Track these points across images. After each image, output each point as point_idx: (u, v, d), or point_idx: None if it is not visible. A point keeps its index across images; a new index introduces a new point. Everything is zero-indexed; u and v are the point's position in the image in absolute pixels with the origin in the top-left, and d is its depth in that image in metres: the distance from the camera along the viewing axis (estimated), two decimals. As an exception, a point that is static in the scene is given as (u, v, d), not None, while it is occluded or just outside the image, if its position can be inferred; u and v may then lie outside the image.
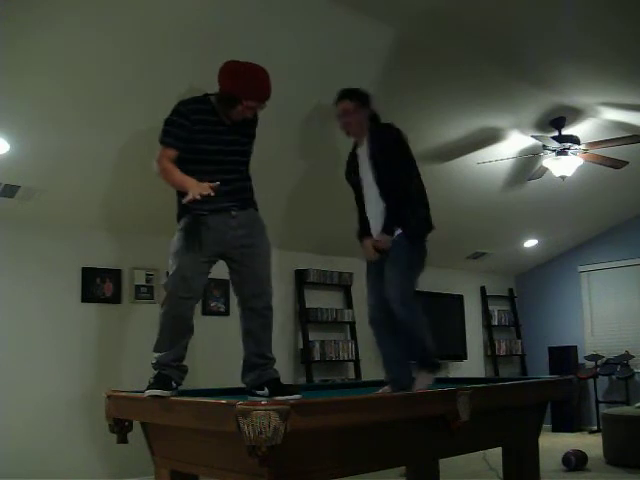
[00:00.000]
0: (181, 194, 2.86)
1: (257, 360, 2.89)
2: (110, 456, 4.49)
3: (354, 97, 3.26)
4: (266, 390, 2.79)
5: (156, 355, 2.84)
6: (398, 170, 3.16)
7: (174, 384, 2.77)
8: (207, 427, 2.30)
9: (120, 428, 2.79)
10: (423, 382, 3.01)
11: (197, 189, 2.71)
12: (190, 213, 2.88)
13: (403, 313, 3.05)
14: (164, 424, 2.65)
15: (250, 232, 3.00)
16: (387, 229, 3.14)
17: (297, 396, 2.64)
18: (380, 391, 3.14)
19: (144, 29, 3.38)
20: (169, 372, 2.79)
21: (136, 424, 2.82)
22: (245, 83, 2.89)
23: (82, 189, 4.59)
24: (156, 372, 2.80)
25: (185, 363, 2.92)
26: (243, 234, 2.96)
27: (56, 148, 4.09)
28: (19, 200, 4.50)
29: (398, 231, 3.14)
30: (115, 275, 5.26)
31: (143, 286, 5.37)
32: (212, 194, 2.72)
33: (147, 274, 5.36)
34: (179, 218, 2.96)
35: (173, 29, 3.42)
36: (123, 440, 2.78)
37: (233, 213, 2.95)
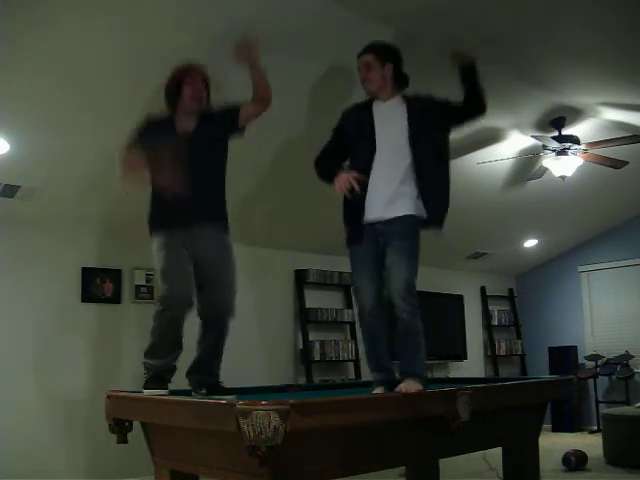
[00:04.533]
0: (150, 205, 3.01)
1: (205, 369, 3.04)
2: (110, 456, 4.48)
3: (378, 51, 3.07)
4: (204, 391, 2.96)
5: (151, 361, 2.91)
6: (441, 150, 2.99)
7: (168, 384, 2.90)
8: (207, 427, 2.30)
9: (120, 428, 2.79)
10: (411, 388, 2.72)
11: None
12: (160, 230, 2.99)
13: (409, 314, 2.83)
14: (164, 424, 2.65)
15: (214, 249, 3.06)
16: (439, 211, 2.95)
17: (232, 397, 2.76)
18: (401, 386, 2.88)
19: (144, 29, 3.38)
20: (164, 374, 2.91)
21: (136, 424, 2.82)
22: (179, 68, 3.12)
23: (82, 189, 4.59)
24: (150, 374, 2.91)
25: (184, 365, 3.01)
26: (207, 250, 3.03)
27: (56, 148, 4.09)
28: (19, 200, 4.50)
29: (407, 211, 2.90)
30: (115, 275, 5.26)
31: (143, 286, 5.37)
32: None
33: (147, 274, 5.36)
34: (150, 231, 3.04)
35: (173, 29, 3.42)
36: (123, 440, 2.79)
37: (195, 231, 3.00)
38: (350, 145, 3.11)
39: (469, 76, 3.12)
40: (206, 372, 3.05)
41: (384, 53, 3.08)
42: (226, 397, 2.79)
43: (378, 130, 2.99)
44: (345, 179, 2.94)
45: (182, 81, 3.08)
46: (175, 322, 2.92)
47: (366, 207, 2.96)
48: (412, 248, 2.90)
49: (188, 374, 3.06)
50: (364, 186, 2.94)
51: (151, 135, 3.03)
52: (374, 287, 2.97)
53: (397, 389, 2.73)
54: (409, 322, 2.84)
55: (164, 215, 3.01)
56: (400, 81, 3.12)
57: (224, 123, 3.18)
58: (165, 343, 2.93)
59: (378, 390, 2.96)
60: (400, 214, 2.90)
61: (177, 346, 2.96)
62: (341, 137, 3.16)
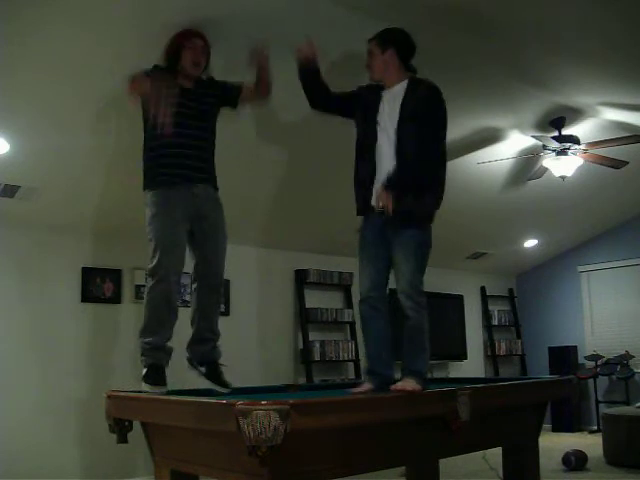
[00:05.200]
0: (145, 161, 3.01)
1: (209, 335, 3.03)
2: (110, 456, 4.49)
3: (381, 38, 3.01)
4: (204, 369, 2.97)
5: (147, 339, 2.89)
6: (434, 144, 2.86)
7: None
8: (207, 427, 2.29)
9: (120, 428, 2.78)
10: (408, 386, 2.64)
11: None
12: (157, 187, 2.97)
13: (414, 311, 2.77)
14: (164, 424, 2.65)
15: (212, 207, 3.08)
16: (391, 187, 2.77)
17: (227, 390, 2.83)
18: (363, 386, 2.88)
19: (144, 30, 3.38)
20: (161, 358, 2.89)
21: (136, 424, 2.82)
22: (179, 32, 3.14)
23: (82, 189, 4.59)
24: (149, 362, 2.88)
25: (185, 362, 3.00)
26: (206, 207, 3.05)
27: (56, 148, 4.09)
28: (19, 200, 4.50)
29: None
30: (115, 275, 5.27)
31: (143, 286, 5.35)
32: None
33: (147, 274, 5.35)
34: (144, 187, 3.03)
35: (173, 29, 3.42)
36: (123, 440, 2.79)
37: (195, 188, 3.01)
38: (355, 120, 3.08)
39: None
40: (204, 343, 3.02)
41: (385, 38, 3.02)
42: (220, 388, 2.87)
43: (380, 116, 2.95)
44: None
45: (182, 45, 3.10)
46: (168, 294, 2.91)
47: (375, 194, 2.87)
48: (415, 261, 2.84)
49: (188, 347, 3.04)
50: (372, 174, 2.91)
51: (156, 78, 3.02)
52: (379, 270, 2.91)
53: (393, 387, 2.69)
54: (414, 320, 2.78)
55: (161, 170, 2.99)
56: (408, 64, 3.04)
57: (224, 92, 3.24)
58: (157, 317, 2.90)
59: (365, 387, 2.86)
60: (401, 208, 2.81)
61: (169, 319, 2.93)
62: (351, 100, 3.11)
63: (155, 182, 2.99)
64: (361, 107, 3.05)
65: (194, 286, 3.07)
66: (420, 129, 2.84)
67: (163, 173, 2.98)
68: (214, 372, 2.99)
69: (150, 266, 2.94)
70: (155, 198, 2.96)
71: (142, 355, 2.94)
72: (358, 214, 3.01)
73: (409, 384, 2.66)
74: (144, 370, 2.90)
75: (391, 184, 2.80)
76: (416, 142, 2.83)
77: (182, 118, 3.01)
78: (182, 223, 2.96)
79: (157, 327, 2.91)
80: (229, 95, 3.27)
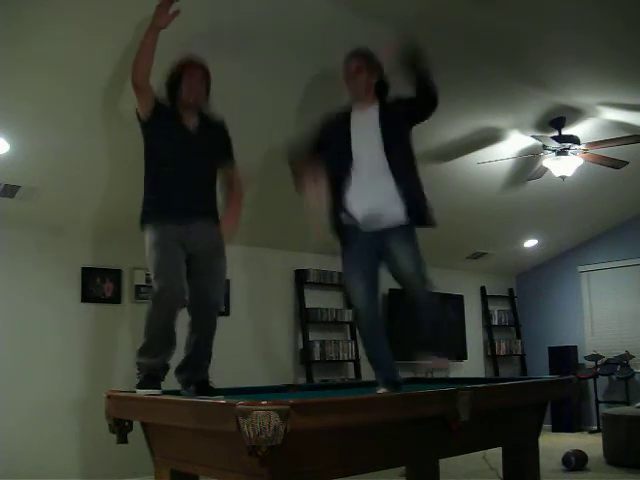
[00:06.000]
0: (145, 195, 3.01)
1: (201, 363, 3.05)
2: (110, 456, 4.48)
3: (369, 57, 3.06)
4: (193, 388, 2.98)
5: (144, 360, 2.92)
6: (412, 152, 3.01)
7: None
8: (207, 427, 2.29)
9: (120, 428, 2.78)
10: (440, 364, 2.94)
11: None
12: (155, 222, 2.97)
13: (426, 295, 2.95)
14: (164, 424, 2.65)
15: (210, 242, 3.08)
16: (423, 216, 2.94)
17: (219, 397, 2.79)
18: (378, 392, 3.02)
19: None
20: (158, 373, 2.90)
21: (136, 424, 2.82)
22: (180, 61, 3.14)
23: (82, 189, 4.59)
24: (144, 374, 2.90)
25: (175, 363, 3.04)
26: (204, 242, 3.05)
27: (56, 148, 4.09)
28: (19, 200, 4.50)
29: (399, 221, 2.92)
30: (115, 275, 5.27)
31: (143, 286, 5.36)
32: None
33: (147, 274, 5.29)
34: (142, 222, 3.03)
35: (173, 29, 3.42)
36: (123, 440, 2.79)
37: (193, 224, 3.02)
38: (326, 151, 3.11)
39: (412, 63, 2.97)
40: (196, 369, 3.04)
41: (373, 61, 3.08)
42: (215, 397, 2.81)
43: (355, 141, 3.00)
44: (315, 195, 3.02)
45: (182, 75, 3.10)
46: (169, 320, 2.91)
47: (355, 213, 2.97)
48: (417, 251, 2.97)
49: (177, 372, 3.05)
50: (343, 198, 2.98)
51: (159, 115, 3.04)
52: (366, 287, 2.99)
53: (426, 365, 2.94)
54: (428, 302, 2.94)
55: (160, 207, 3.00)
56: (380, 90, 3.12)
57: (224, 148, 3.25)
58: (159, 341, 2.92)
59: (382, 391, 2.96)
60: (392, 225, 2.94)
61: (171, 344, 2.95)
62: (321, 136, 3.15)
63: (151, 218, 3.00)
64: (331, 140, 3.08)
65: (190, 317, 3.08)
66: (405, 145, 2.99)
67: (158, 211, 2.99)
68: (203, 388, 2.99)
69: (151, 292, 2.97)
70: (152, 233, 2.97)
71: (138, 368, 2.94)
72: (345, 244, 3.05)
73: (441, 362, 2.97)
74: (137, 382, 2.90)
75: (411, 206, 2.92)
76: (406, 159, 2.98)
77: (183, 154, 3.02)
78: (180, 256, 2.97)
79: (154, 349, 2.92)
80: (223, 157, 3.26)
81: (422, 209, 2.99)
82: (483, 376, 7.68)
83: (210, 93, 3.19)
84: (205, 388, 3.00)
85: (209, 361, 3.11)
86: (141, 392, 2.81)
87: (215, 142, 3.18)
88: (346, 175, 2.97)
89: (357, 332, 3.06)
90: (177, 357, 3.04)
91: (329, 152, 3.09)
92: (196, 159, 3.06)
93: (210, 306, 3.07)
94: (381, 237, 2.95)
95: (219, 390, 3.00)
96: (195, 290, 3.03)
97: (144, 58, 2.97)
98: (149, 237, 2.98)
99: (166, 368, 2.96)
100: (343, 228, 3.02)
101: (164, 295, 2.90)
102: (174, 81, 3.11)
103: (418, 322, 2.98)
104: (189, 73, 3.10)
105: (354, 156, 2.97)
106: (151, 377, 2.88)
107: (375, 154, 2.95)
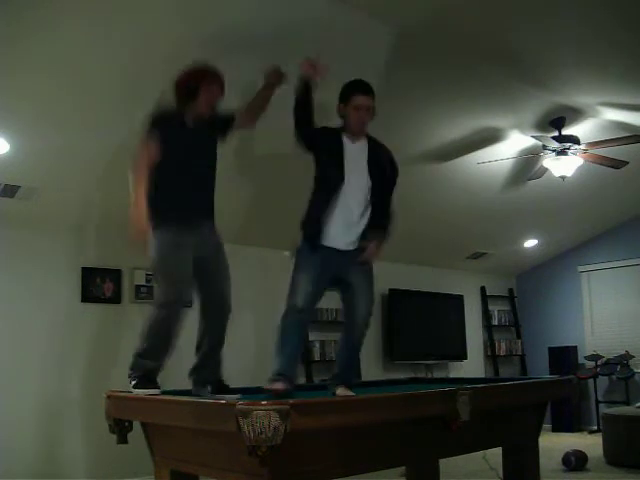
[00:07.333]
0: (152, 199, 2.98)
1: (214, 362, 3.09)
2: (110, 456, 4.48)
3: (374, 95, 3.14)
4: (210, 388, 3.00)
5: (143, 362, 2.92)
6: (391, 197, 3.20)
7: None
8: (207, 427, 2.29)
9: (120, 428, 2.78)
10: (346, 393, 2.95)
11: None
12: (163, 226, 2.96)
13: (364, 335, 3.14)
14: (164, 424, 2.65)
15: (215, 244, 3.11)
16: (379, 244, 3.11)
17: (237, 396, 2.83)
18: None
19: (144, 30, 3.38)
20: (153, 374, 2.92)
21: (136, 424, 2.82)
22: (199, 70, 3.07)
23: (82, 189, 4.59)
24: (139, 374, 2.90)
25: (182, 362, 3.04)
26: (211, 244, 3.07)
27: (56, 148, 4.09)
28: (19, 200, 4.51)
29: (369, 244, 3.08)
30: (115, 275, 5.27)
31: (143, 286, 5.37)
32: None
33: (147, 274, 5.36)
34: (155, 226, 2.98)
35: (174, 30, 3.42)
36: (123, 440, 2.79)
37: (200, 227, 3.03)
38: (319, 160, 3.17)
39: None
40: (211, 370, 3.05)
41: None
42: (231, 397, 2.82)
43: (347, 167, 3.08)
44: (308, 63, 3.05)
45: (200, 84, 3.04)
46: (173, 323, 2.91)
47: (328, 231, 3.05)
48: (373, 283, 3.16)
49: (193, 372, 3.05)
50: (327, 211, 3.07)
51: (164, 126, 3.01)
52: (315, 293, 3.09)
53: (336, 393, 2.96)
54: (362, 340, 3.14)
55: (168, 211, 2.99)
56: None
57: (221, 125, 3.22)
58: (162, 347, 2.92)
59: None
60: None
61: (172, 348, 2.95)
62: (318, 138, 3.17)
63: (159, 221, 2.97)
64: (325, 149, 3.13)
65: (205, 318, 3.08)
66: (388, 185, 3.16)
67: (167, 213, 2.97)
68: (221, 387, 3.02)
69: (158, 294, 2.98)
70: (160, 237, 2.95)
71: (132, 368, 2.93)
72: (313, 247, 3.07)
73: (348, 392, 2.96)
74: (133, 382, 2.88)
75: (380, 237, 3.11)
76: (386, 196, 3.15)
77: (188, 157, 3.01)
78: (188, 260, 2.96)
79: (153, 354, 2.93)
80: (224, 127, 3.24)
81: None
82: (483, 376, 7.68)
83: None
84: (222, 387, 3.01)
85: (222, 361, 3.13)
86: (141, 392, 2.80)
87: (213, 134, 3.17)
88: (334, 194, 3.05)
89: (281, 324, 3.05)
90: (181, 357, 3.05)
91: (322, 163, 3.14)
92: (200, 158, 3.06)
93: (227, 309, 3.10)
94: (345, 263, 3.06)
95: (235, 390, 3.01)
96: (210, 293, 3.05)
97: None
98: (157, 241, 2.96)
99: (160, 369, 2.96)
100: (319, 230, 3.06)
101: (166, 301, 2.91)
102: (190, 88, 3.05)
103: (348, 357, 3.20)
104: (208, 87, 3.05)
105: (346, 179, 3.06)
106: (148, 378, 2.88)
107: (362, 184, 3.09)
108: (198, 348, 3.08)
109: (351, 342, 3.17)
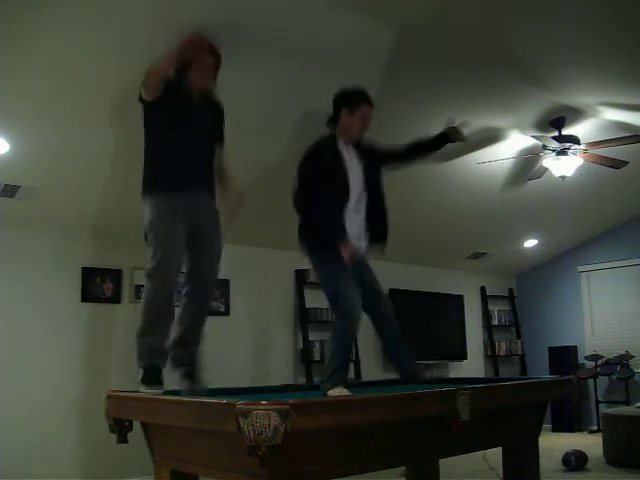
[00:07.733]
0: (149, 165, 3.00)
1: (193, 338, 3.05)
2: (110, 456, 4.49)
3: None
4: (183, 370, 2.98)
5: (144, 340, 2.89)
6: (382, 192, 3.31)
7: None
8: (207, 427, 2.29)
9: (120, 428, 2.78)
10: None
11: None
12: (160, 192, 2.95)
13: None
14: (164, 424, 2.65)
15: (209, 214, 3.10)
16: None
17: (204, 388, 2.85)
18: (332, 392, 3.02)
19: (145, 30, 3.38)
20: (158, 360, 2.89)
21: (136, 424, 2.82)
22: (189, 41, 3.05)
23: (82, 189, 4.59)
24: (146, 363, 2.88)
25: None
26: (204, 213, 3.06)
27: (56, 148, 4.09)
28: (19, 200, 4.51)
29: (365, 245, 3.22)
30: (115, 275, 5.27)
31: (143, 286, 5.36)
32: None
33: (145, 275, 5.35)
34: (145, 192, 3.00)
35: (172, 29, 3.41)
36: (123, 440, 2.78)
37: (194, 195, 3.02)
38: (330, 177, 3.18)
39: (440, 143, 3.56)
40: (190, 352, 3.03)
41: None
42: (198, 390, 2.86)
43: (351, 177, 3.19)
44: (352, 251, 3.09)
45: (192, 60, 3.06)
46: (165, 296, 2.90)
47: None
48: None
49: (171, 348, 3.02)
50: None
51: (167, 95, 3.03)
52: (359, 297, 3.16)
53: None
54: (396, 323, 3.29)
55: (162, 177, 2.99)
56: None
57: (219, 118, 3.29)
58: (154, 316, 2.90)
59: (338, 390, 2.99)
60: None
61: (168, 319, 2.94)
62: (331, 176, 3.17)
63: (156, 187, 2.98)
64: (332, 166, 3.17)
65: (185, 289, 3.06)
66: (380, 189, 3.31)
67: (164, 179, 2.98)
68: (192, 373, 3.00)
69: (148, 267, 2.93)
70: (155, 203, 2.95)
71: (139, 357, 2.93)
72: (338, 254, 3.09)
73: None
74: (140, 372, 2.89)
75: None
76: (383, 199, 3.31)
77: (186, 126, 3.02)
78: (182, 227, 2.95)
79: (154, 328, 2.91)
80: (218, 134, 3.28)
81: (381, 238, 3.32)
82: (483, 376, 7.68)
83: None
84: (192, 373, 3.00)
85: (200, 340, 3.10)
86: (142, 390, 2.81)
87: (214, 117, 3.21)
88: (344, 202, 3.13)
89: (343, 333, 3.04)
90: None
91: (332, 178, 3.15)
92: (200, 130, 3.07)
93: (213, 277, 3.09)
94: (359, 263, 3.20)
95: (229, 390, 3.00)
96: (197, 261, 3.03)
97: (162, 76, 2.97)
98: (150, 209, 2.95)
99: (165, 353, 2.95)
100: (343, 237, 3.10)
101: (159, 272, 2.88)
102: (183, 63, 3.06)
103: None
104: (201, 61, 3.07)
105: (350, 186, 3.16)
106: (152, 368, 2.86)
107: (360, 188, 3.20)
108: (178, 322, 3.04)
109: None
